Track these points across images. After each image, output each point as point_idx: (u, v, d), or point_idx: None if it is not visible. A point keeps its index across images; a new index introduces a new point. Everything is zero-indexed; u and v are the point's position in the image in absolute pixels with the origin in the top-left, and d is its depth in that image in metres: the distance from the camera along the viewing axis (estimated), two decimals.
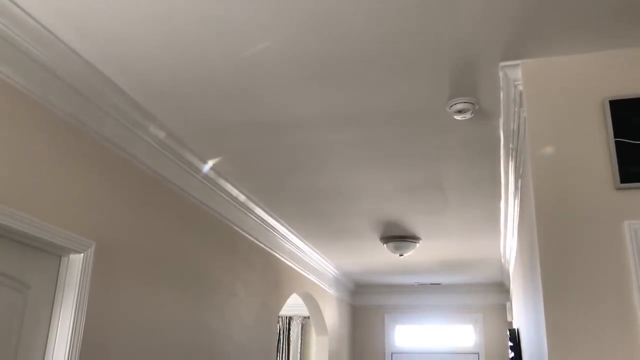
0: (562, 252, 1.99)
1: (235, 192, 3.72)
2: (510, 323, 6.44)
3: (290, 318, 7.42)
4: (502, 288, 7.19)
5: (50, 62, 2.13)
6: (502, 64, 2.24)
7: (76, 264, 2.32)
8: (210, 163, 3.30)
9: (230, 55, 2.20)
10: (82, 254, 2.34)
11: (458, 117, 2.61)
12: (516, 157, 2.86)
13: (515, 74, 2.27)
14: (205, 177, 3.37)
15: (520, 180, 2.97)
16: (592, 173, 2.05)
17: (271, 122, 2.76)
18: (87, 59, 2.22)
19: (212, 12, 1.94)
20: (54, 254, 2.29)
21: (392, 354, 7.39)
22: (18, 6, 1.90)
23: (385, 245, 4.98)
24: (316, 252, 5.52)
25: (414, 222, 4.48)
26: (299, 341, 7.37)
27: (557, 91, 2.17)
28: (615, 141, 2.04)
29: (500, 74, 2.29)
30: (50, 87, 2.19)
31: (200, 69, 2.29)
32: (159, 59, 2.22)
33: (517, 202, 3.40)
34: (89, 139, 2.47)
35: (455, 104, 2.54)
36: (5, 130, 2.02)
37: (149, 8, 1.92)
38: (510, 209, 3.77)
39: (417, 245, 4.99)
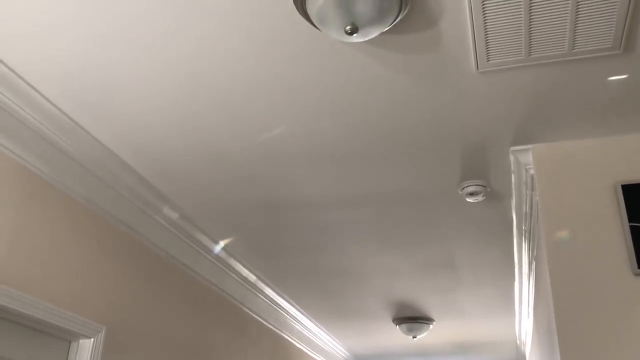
0: (582, 338, 1.94)
1: (245, 272, 3.69)
2: None
3: None
4: None
5: (69, 147, 2.19)
6: (512, 148, 2.27)
7: (86, 348, 2.28)
8: (222, 243, 3.30)
9: (246, 140, 2.25)
10: (92, 339, 2.30)
11: (470, 200, 2.62)
12: (529, 239, 2.84)
13: (526, 158, 2.29)
14: (217, 257, 3.36)
15: (534, 263, 2.94)
16: (609, 259, 2.03)
17: (284, 202, 2.78)
18: (105, 144, 2.28)
19: (230, 101, 2.00)
20: (64, 339, 2.25)
21: None
22: (40, 94, 1.97)
23: (397, 326, 4.87)
24: (326, 333, 5.40)
25: (427, 303, 4.40)
26: None
27: (568, 175, 2.19)
28: (630, 226, 2.03)
29: (511, 158, 2.32)
30: (67, 170, 2.24)
31: (215, 152, 2.34)
32: (175, 143, 2.28)
33: (531, 283, 3.35)
34: (103, 222, 2.49)
35: (467, 186, 2.56)
36: (20, 213, 2.04)
37: (170, 96, 1.99)
38: (524, 289, 3.70)
39: (431, 326, 4.88)
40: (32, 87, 1.92)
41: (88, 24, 1.64)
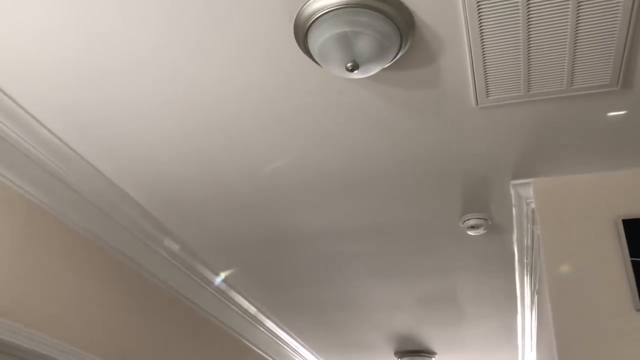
0: None
1: (246, 304, 3.67)
2: None
3: None
4: None
5: (70, 177, 2.20)
6: (513, 182, 2.28)
7: None
8: (223, 275, 3.28)
9: (248, 172, 2.26)
10: None
11: (471, 233, 2.62)
12: (531, 273, 2.83)
13: (527, 192, 2.30)
14: (217, 289, 3.34)
15: (536, 296, 2.92)
16: (611, 293, 2.01)
17: (285, 234, 2.77)
18: (106, 174, 2.28)
19: (233, 135, 2.02)
20: None
21: None
22: (42, 124, 1.98)
23: None
24: None
25: (429, 336, 4.35)
26: None
27: (569, 210, 2.19)
28: (632, 261, 2.02)
29: (512, 191, 2.32)
30: (67, 201, 2.24)
31: (217, 184, 2.35)
32: (177, 175, 2.29)
33: (534, 316, 3.31)
34: (103, 253, 2.48)
35: (468, 219, 2.56)
36: (20, 244, 2.04)
37: (173, 129, 2.00)
38: (527, 323, 3.67)
39: (433, 359, 4.82)
40: (34, 117, 1.94)
41: (92, 57, 1.67)
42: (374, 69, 1.58)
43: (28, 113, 1.92)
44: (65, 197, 2.23)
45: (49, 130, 2.01)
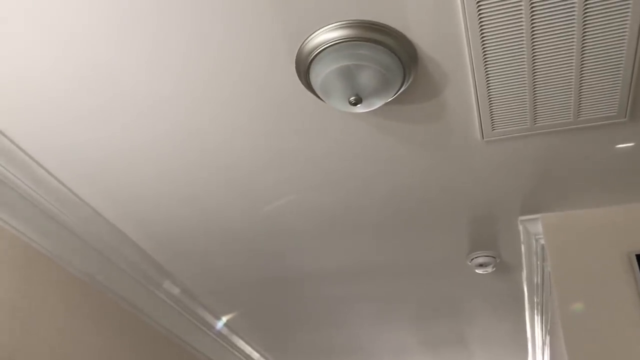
0: None
1: (248, 349, 3.56)
2: None
3: None
4: None
5: (68, 219, 2.15)
6: (521, 218, 2.22)
7: None
8: (224, 319, 3.19)
9: (249, 213, 2.21)
10: None
11: (479, 271, 2.55)
12: (542, 312, 2.74)
13: (535, 228, 2.24)
14: (219, 334, 3.25)
15: (548, 337, 2.82)
16: (627, 331, 1.93)
17: (288, 276, 2.71)
18: (105, 216, 2.24)
19: (234, 175, 1.98)
20: None
21: None
22: (40, 165, 1.95)
23: None
24: None
25: None
26: None
27: (580, 245, 2.13)
28: None
29: (520, 227, 2.27)
30: (65, 243, 2.19)
31: (218, 226, 2.29)
32: (177, 215, 2.24)
33: (546, 358, 3.21)
34: (102, 296, 2.41)
35: (476, 257, 2.49)
36: (17, 288, 1.98)
37: (172, 169, 1.97)
38: None
39: None
40: (32, 158, 1.90)
41: (86, 96, 1.65)
42: (377, 103, 1.55)
43: (25, 153, 1.88)
44: (63, 240, 2.18)
45: (46, 170, 1.97)
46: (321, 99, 1.61)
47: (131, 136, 1.80)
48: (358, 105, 1.50)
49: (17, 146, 1.85)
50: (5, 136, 1.80)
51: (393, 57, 1.47)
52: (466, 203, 2.14)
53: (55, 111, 1.69)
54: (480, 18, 1.40)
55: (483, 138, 1.80)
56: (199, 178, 2.02)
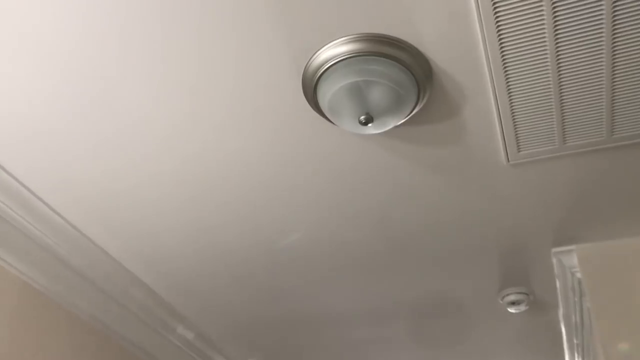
0: None
1: None
2: None
3: None
4: None
5: (73, 258, 2.06)
6: (554, 249, 2.06)
7: None
8: None
9: (263, 249, 2.09)
10: None
11: (512, 310, 2.37)
12: (583, 354, 2.53)
13: (570, 260, 2.07)
14: None
15: None
16: None
17: (306, 317, 2.56)
18: (112, 254, 2.14)
19: (244, 208, 1.88)
20: None
21: None
22: (43, 201, 1.87)
23: None
24: None
25: None
26: None
27: (621, 279, 1.95)
28: None
29: (554, 260, 2.10)
30: (70, 284, 2.09)
31: (231, 264, 2.18)
32: (187, 254, 2.13)
33: None
34: (110, 342, 2.29)
35: (507, 295, 2.32)
36: (18, 331, 1.87)
37: (179, 203, 1.87)
38: None
39: None
40: (34, 193, 1.83)
41: (89, 128, 1.57)
42: (391, 123, 1.44)
43: (27, 188, 1.81)
44: (67, 280, 2.08)
45: (49, 207, 1.89)
46: (332, 122, 1.51)
47: (133, 167, 1.72)
48: (369, 125, 1.40)
49: (18, 181, 1.77)
50: (6, 171, 1.73)
51: (406, 73, 1.36)
52: (493, 234, 1.99)
53: (57, 145, 1.62)
54: (499, 29, 1.29)
55: (508, 161, 1.67)
56: (209, 212, 1.92)
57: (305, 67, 1.40)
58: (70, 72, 1.40)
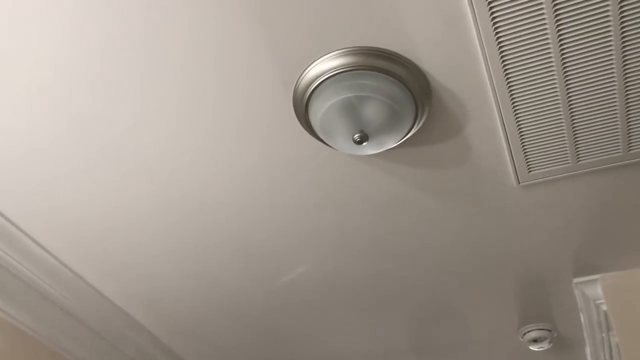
0: None
1: None
2: None
3: None
4: None
5: (70, 302, 1.97)
6: (576, 280, 1.92)
7: None
8: None
9: (264, 288, 1.98)
10: None
11: (534, 348, 2.21)
12: None
13: (594, 292, 1.93)
14: None
15: None
16: None
17: None
18: (110, 298, 2.05)
19: (243, 244, 1.78)
20: None
21: None
22: (41, 247, 1.80)
23: None
24: None
25: None
26: None
27: None
28: None
29: (576, 292, 1.95)
30: (67, 330, 2.00)
31: (232, 305, 2.07)
32: (187, 295, 2.03)
33: None
34: None
35: (528, 331, 2.16)
36: None
37: (178, 244, 1.78)
38: None
39: None
40: (30, 237, 1.75)
41: (86, 170, 1.50)
42: (388, 142, 1.35)
43: (22, 231, 1.73)
44: (63, 326, 1.98)
45: (43, 248, 1.82)
46: (325, 144, 1.43)
47: (130, 203, 1.64)
48: (364, 144, 1.31)
49: (13, 223, 1.70)
50: (4, 216, 1.66)
51: (401, 87, 1.28)
52: (508, 264, 1.86)
53: (54, 188, 1.55)
54: (498, 39, 1.21)
55: (519, 182, 1.56)
56: (206, 250, 1.82)
57: (294, 88, 1.32)
58: (52, 98, 1.34)
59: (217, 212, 1.68)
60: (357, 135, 1.29)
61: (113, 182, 1.57)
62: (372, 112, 1.27)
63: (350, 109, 1.27)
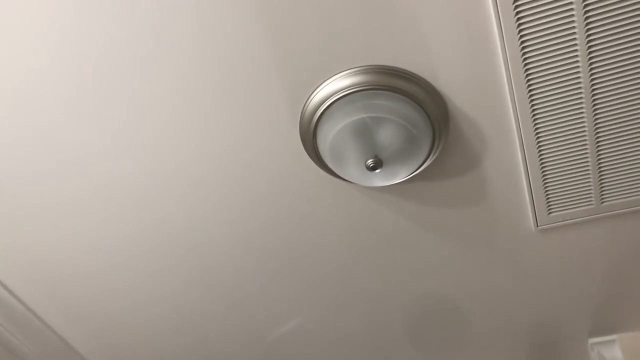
0: None
1: None
2: None
3: None
4: None
5: (33, 350, 1.76)
6: (592, 340, 1.77)
7: None
8: None
9: (253, 341, 1.80)
10: None
11: None
12: None
13: (612, 353, 1.77)
14: None
15: None
16: None
17: None
18: (79, 350, 1.84)
19: (230, 293, 1.62)
20: None
21: None
22: (29, 309, 1.62)
23: None
24: None
25: None
26: None
27: None
28: None
29: (592, 354, 1.80)
30: None
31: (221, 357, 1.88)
32: (174, 347, 1.84)
33: None
34: None
35: None
36: None
37: (163, 293, 1.62)
38: None
39: None
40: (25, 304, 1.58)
41: (76, 230, 1.36)
42: (401, 173, 1.23)
43: (16, 297, 1.56)
44: None
45: (32, 312, 1.64)
46: (336, 175, 1.31)
47: (111, 253, 1.48)
48: (377, 171, 1.19)
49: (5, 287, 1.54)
50: (6, 289, 1.50)
51: (419, 111, 1.18)
52: (520, 319, 1.71)
53: (40, 247, 1.40)
54: (526, 64, 1.13)
55: (537, 225, 1.44)
56: (193, 298, 1.66)
57: (302, 113, 1.21)
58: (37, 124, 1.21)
59: (203, 259, 1.53)
60: (370, 160, 1.17)
61: (90, 222, 1.42)
62: (388, 135, 1.16)
63: (364, 131, 1.16)
